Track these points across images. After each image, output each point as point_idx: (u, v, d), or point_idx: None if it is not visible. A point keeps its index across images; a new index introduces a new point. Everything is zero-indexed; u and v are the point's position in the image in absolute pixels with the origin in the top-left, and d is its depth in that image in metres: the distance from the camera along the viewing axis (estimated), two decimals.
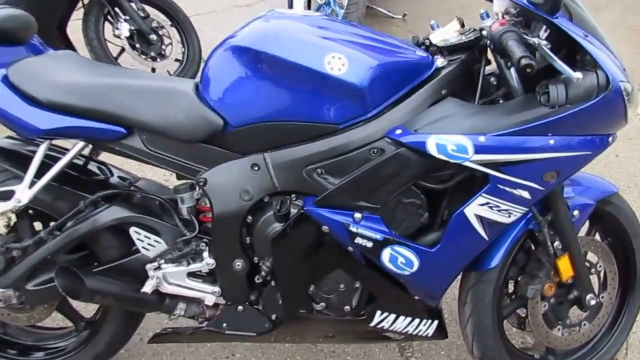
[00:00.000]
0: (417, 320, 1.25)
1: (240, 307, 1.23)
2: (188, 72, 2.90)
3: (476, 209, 1.12)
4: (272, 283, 1.20)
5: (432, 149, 1.06)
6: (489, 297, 1.27)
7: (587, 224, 1.36)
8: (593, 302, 1.35)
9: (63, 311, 1.40)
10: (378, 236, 1.13)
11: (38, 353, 1.40)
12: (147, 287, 1.20)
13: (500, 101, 1.16)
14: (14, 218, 1.17)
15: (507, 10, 1.15)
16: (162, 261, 1.19)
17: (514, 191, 1.11)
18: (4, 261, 1.21)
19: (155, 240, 1.20)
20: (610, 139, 1.15)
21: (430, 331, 1.27)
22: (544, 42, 1.04)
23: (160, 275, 1.20)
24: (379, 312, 1.23)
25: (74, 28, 2.72)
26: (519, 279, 1.32)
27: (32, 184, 1.13)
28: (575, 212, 1.27)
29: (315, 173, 1.11)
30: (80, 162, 1.28)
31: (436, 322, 1.27)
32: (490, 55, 1.16)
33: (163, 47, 2.83)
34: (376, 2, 3.93)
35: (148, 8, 2.79)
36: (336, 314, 1.24)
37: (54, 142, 1.19)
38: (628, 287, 1.47)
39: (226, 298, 1.24)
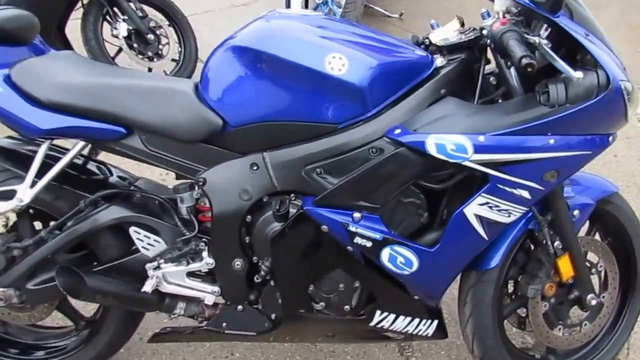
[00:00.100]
0: (417, 320, 1.25)
1: (239, 307, 1.23)
2: (184, 72, 2.90)
3: (476, 208, 1.12)
4: (272, 283, 1.21)
5: (431, 149, 1.06)
6: (489, 297, 1.27)
7: (587, 223, 1.35)
8: (594, 302, 1.34)
9: (63, 310, 1.41)
10: (377, 236, 1.12)
11: (39, 352, 1.41)
12: (147, 287, 1.21)
13: (500, 101, 1.16)
14: (12, 217, 1.18)
15: (508, 9, 1.14)
16: (162, 261, 1.20)
17: (514, 191, 1.11)
18: (4, 260, 1.21)
19: (155, 240, 1.20)
20: (610, 138, 1.14)
21: (430, 331, 1.27)
22: (545, 42, 1.03)
23: (160, 274, 1.21)
24: (378, 312, 1.23)
25: (71, 28, 2.73)
26: (519, 278, 1.31)
27: (34, 183, 1.14)
28: (576, 212, 1.26)
29: (315, 173, 1.11)
30: (80, 162, 1.28)
31: (436, 321, 1.27)
32: (490, 54, 1.16)
33: (160, 46, 2.84)
34: (373, 1, 3.94)
35: (147, 8, 2.80)
36: (336, 314, 1.24)
37: (54, 142, 1.20)
38: (629, 287, 1.46)
39: (225, 298, 1.24)
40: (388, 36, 1.19)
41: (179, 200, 1.20)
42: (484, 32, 1.12)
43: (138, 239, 1.20)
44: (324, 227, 1.13)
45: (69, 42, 2.70)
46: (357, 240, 1.13)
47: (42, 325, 1.45)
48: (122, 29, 2.70)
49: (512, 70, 1.12)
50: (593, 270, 1.38)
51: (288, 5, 3.20)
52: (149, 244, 1.21)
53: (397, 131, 1.08)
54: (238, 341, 1.47)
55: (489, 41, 1.11)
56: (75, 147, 1.19)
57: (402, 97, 1.11)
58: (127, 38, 2.73)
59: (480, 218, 1.13)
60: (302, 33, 1.11)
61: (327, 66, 1.06)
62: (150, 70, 2.80)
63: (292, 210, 1.14)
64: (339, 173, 1.11)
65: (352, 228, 1.12)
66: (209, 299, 1.23)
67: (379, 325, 1.25)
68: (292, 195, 1.15)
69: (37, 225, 1.29)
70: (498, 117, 1.08)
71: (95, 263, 1.26)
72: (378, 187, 1.11)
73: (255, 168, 1.14)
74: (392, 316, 1.24)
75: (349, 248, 1.14)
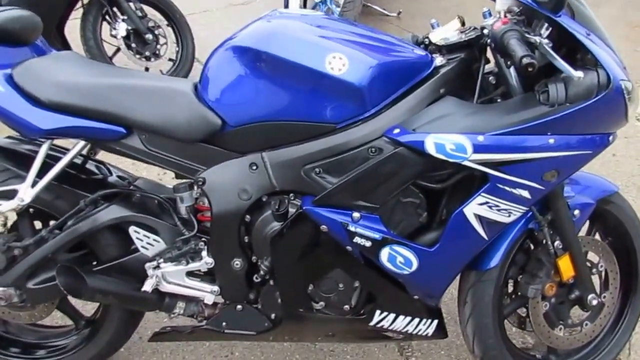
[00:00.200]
0: (416, 320, 1.25)
1: (239, 306, 1.24)
2: (181, 71, 2.91)
3: (475, 208, 1.11)
4: (271, 282, 1.21)
5: (430, 148, 1.06)
6: (489, 297, 1.26)
7: (587, 223, 1.35)
8: (595, 302, 1.34)
9: (63, 310, 1.42)
10: (377, 236, 1.12)
11: (39, 351, 1.41)
12: (147, 286, 1.21)
13: (499, 100, 1.16)
14: (10, 217, 1.18)
15: (510, 8, 1.14)
16: (161, 260, 1.20)
17: (514, 191, 1.11)
18: (5, 260, 1.22)
19: (155, 240, 1.21)
20: (610, 137, 1.14)
21: (430, 331, 1.27)
22: (546, 41, 1.03)
23: (160, 274, 1.21)
24: (378, 312, 1.23)
25: (69, 28, 2.74)
26: (519, 278, 1.31)
27: (34, 183, 1.14)
28: (576, 212, 1.26)
29: (314, 172, 1.11)
30: (79, 162, 1.29)
31: (436, 321, 1.27)
32: (489, 54, 1.15)
33: (158, 46, 2.85)
34: (372, 0, 3.95)
35: (146, 8, 2.80)
36: (335, 313, 1.24)
37: (54, 141, 1.20)
38: (630, 287, 1.46)
39: (225, 297, 1.24)
40: (387, 35, 1.19)
41: (179, 200, 1.20)
42: (485, 31, 1.12)
43: (137, 238, 1.21)
44: (323, 227, 1.12)
45: (68, 42, 2.71)
46: (357, 240, 1.13)
47: (42, 325, 1.46)
48: (121, 29, 2.70)
49: (512, 69, 1.12)
50: (594, 270, 1.38)
51: (286, 5, 3.20)
52: (148, 243, 1.21)
53: (396, 131, 1.08)
54: (237, 340, 1.47)
55: (489, 40, 1.11)
56: (75, 147, 1.19)
57: (401, 97, 1.11)
58: (126, 38, 2.74)
59: (479, 218, 1.12)
60: (303, 33, 1.11)
61: (327, 66, 1.06)
62: (147, 69, 2.80)
63: (292, 210, 1.14)
64: (338, 173, 1.11)
65: (352, 228, 1.12)
66: (209, 299, 1.24)
67: (379, 325, 1.25)
68: (291, 195, 1.15)
69: (37, 225, 1.29)
70: (497, 117, 1.08)
71: (94, 262, 1.26)
72: (377, 187, 1.11)
73: (254, 168, 1.14)
74: (392, 316, 1.24)
75: (348, 248, 1.14)
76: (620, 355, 1.49)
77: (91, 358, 1.38)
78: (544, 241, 1.24)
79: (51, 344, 1.42)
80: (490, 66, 1.18)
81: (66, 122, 1.13)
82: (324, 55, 1.06)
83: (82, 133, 1.15)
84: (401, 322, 1.25)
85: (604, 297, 1.40)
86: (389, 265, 1.15)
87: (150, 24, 2.80)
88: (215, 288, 1.22)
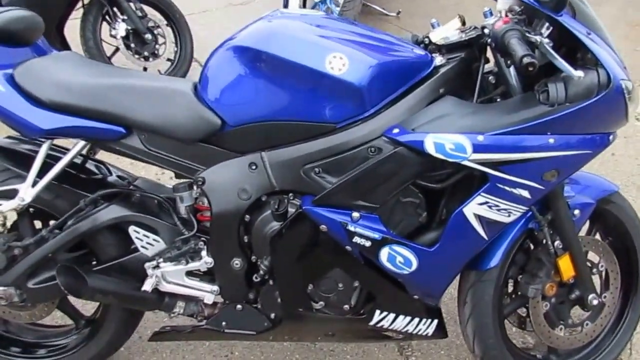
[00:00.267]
0: (416, 320, 1.25)
1: (238, 306, 1.24)
2: (179, 71, 2.91)
3: (475, 208, 1.11)
4: (271, 282, 1.21)
5: (430, 148, 1.06)
6: (489, 297, 1.26)
7: (587, 223, 1.34)
8: (595, 302, 1.33)
9: (63, 309, 1.42)
10: (376, 235, 1.12)
11: (40, 350, 1.41)
12: (147, 286, 1.21)
13: (498, 100, 1.15)
14: (9, 217, 1.18)
15: (511, 8, 1.14)
16: (161, 260, 1.20)
17: (514, 190, 1.11)
18: (5, 259, 1.22)
19: (154, 239, 1.21)
20: (611, 137, 1.13)
21: (430, 330, 1.27)
22: (546, 40, 1.03)
23: (159, 274, 1.21)
24: (378, 311, 1.23)
25: (68, 27, 2.74)
26: (519, 278, 1.31)
27: (35, 183, 1.14)
28: (576, 212, 1.26)
29: (313, 172, 1.11)
30: (79, 161, 1.29)
31: (436, 321, 1.27)
32: (489, 53, 1.15)
33: (157, 46, 2.85)
34: (371, 0, 3.93)
35: (146, 8, 2.80)
36: (335, 313, 1.24)
37: (54, 141, 1.20)
38: (631, 287, 1.46)
39: (225, 297, 1.24)
40: (387, 35, 1.18)
41: (178, 200, 1.20)
42: (486, 30, 1.11)
43: (137, 238, 1.21)
44: (323, 227, 1.12)
45: (67, 42, 2.71)
46: (356, 239, 1.13)
47: (42, 324, 1.46)
48: (121, 29, 2.71)
49: (512, 69, 1.12)
50: (594, 270, 1.37)
51: (286, 4, 3.20)
52: (148, 243, 1.21)
53: (396, 130, 1.08)
54: (237, 340, 1.47)
55: (489, 40, 1.10)
56: (75, 147, 1.19)
57: (400, 96, 1.11)
58: (125, 38, 2.74)
59: (479, 217, 1.12)
60: (303, 33, 1.11)
61: (327, 66, 1.06)
62: (145, 69, 2.80)
63: (291, 210, 1.14)
64: (337, 172, 1.11)
65: (351, 227, 1.12)
66: (208, 298, 1.24)
67: (379, 325, 1.25)
68: (290, 194, 1.15)
69: (37, 224, 1.30)
70: (497, 117, 1.08)
71: (94, 262, 1.27)
72: (377, 187, 1.11)
73: (253, 167, 1.14)
74: (392, 315, 1.24)
75: (348, 247, 1.14)
76: (621, 355, 1.49)
77: (91, 357, 1.38)
78: (544, 241, 1.24)
79: (51, 343, 1.43)
80: (490, 66, 1.17)
81: (66, 122, 1.14)
82: (324, 55, 1.06)
83: (82, 133, 1.16)
84: (401, 322, 1.25)
85: (605, 297, 1.39)
86: (388, 265, 1.15)
87: (150, 23, 2.80)
88: (215, 288, 1.22)
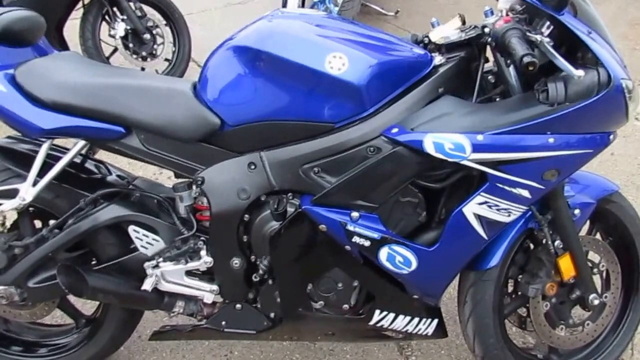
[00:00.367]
0: (416, 319, 1.25)
1: (238, 305, 1.24)
2: (176, 71, 2.91)
3: (475, 208, 1.11)
4: (270, 281, 1.21)
5: (429, 148, 1.06)
6: (489, 297, 1.26)
7: (587, 223, 1.34)
8: (596, 302, 1.33)
9: (64, 308, 1.42)
10: (375, 235, 1.12)
11: (41, 349, 1.42)
12: (146, 285, 1.21)
13: (498, 99, 1.15)
14: (8, 216, 1.19)
15: (512, 7, 1.13)
16: (160, 259, 1.20)
17: (514, 190, 1.10)
18: (6, 259, 1.23)
19: (154, 239, 1.21)
20: (611, 136, 1.13)
21: (430, 330, 1.27)
22: (547, 40, 1.02)
23: (159, 273, 1.21)
24: (377, 311, 1.23)
25: (66, 27, 2.74)
26: (519, 278, 1.31)
27: (35, 182, 1.15)
28: (576, 211, 1.25)
29: (312, 172, 1.11)
30: (78, 161, 1.29)
31: (436, 320, 1.26)
32: (488, 52, 1.15)
33: (155, 46, 2.85)
34: None
35: (145, 7, 2.80)
36: (335, 313, 1.24)
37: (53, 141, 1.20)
38: (632, 287, 1.45)
39: (224, 296, 1.24)
40: (387, 34, 1.18)
41: (178, 199, 1.20)
42: (486, 29, 1.11)
43: (137, 237, 1.21)
44: (322, 226, 1.12)
45: (66, 42, 2.71)
46: (355, 239, 1.12)
47: (43, 323, 1.46)
48: (120, 29, 2.71)
49: (512, 68, 1.11)
50: (595, 269, 1.37)
51: (284, 4, 3.20)
52: (147, 242, 1.21)
53: (395, 130, 1.08)
54: (237, 339, 1.47)
55: (489, 39, 1.10)
56: (75, 147, 1.20)
57: (400, 96, 1.10)
58: (123, 38, 2.74)
59: (479, 217, 1.12)
60: (304, 32, 1.11)
61: (327, 65, 1.06)
62: (143, 69, 2.81)
63: (290, 210, 1.14)
64: (336, 172, 1.11)
65: (350, 227, 1.12)
66: (208, 298, 1.24)
67: (379, 324, 1.25)
68: (289, 194, 1.15)
69: (36, 224, 1.30)
70: (497, 116, 1.08)
71: (94, 262, 1.27)
72: (376, 186, 1.11)
73: (252, 167, 1.14)
74: (392, 315, 1.23)
75: (347, 247, 1.14)
76: (623, 355, 1.49)
77: (91, 356, 1.39)
78: (544, 240, 1.23)
79: (52, 342, 1.43)
80: (490, 65, 1.17)
81: (67, 121, 1.14)
82: (324, 55, 1.06)
83: (82, 132, 1.16)
84: (401, 322, 1.24)
85: (606, 296, 1.39)
86: (388, 265, 1.15)
87: (149, 23, 2.80)
88: (215, 287, 1.22)
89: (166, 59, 2.92)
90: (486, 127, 1.06)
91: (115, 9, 2.71)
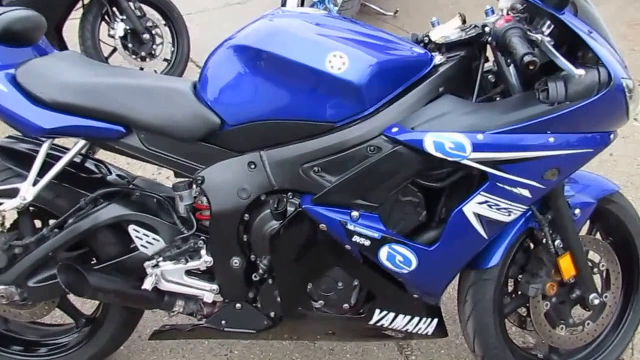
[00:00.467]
0: (416, 319, 1.25)
1: (238, 305, 1.24)
2: (175, 71, 2.91)
3: (475, 207, 1.11)
4: (270, 281, 1.21)
5: (429, 147, 1.06)
6: (489, 296, 1.26)
7: (587, 222, 1.34)
8: (596, 302, 1.33)
9: (64, 308, 1.42)
10: (376, 234, 1.12)
11: (41, 349, 1.42)
12: (146, 285, 1.21)
13: (498, 98, 1.15)
14: (8, 216, 1.19)
15: (513, 6, 1.13)
16: (160, 259, 1.20)
17: (514, 189, 1.10)
18: (6, 258, 1.23)
19: (154, 238, 1.21)
20: (611, 136, 1.13)
21: (430, 329, 1.27)
22: (547, 39, 1.02)
23: (159, 272, 1.21)
24: (377, 310, 1.23)
25: (66, 27, 2.74)
26: (519, 277, 1.31)
27: (36, 182, 1.15)
28: (577, 211, 1.25)
29: (312, 171, 1.11)
30: (78, 160, 1.29)
31: (436, 320, 1.26)
32: (489, 52, 1.15)
33: (154, 46, 2.85)
34: None
35: (145, 7, 2.81)
36: (335, 312, 1.24)
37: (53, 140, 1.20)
38: (632, 286, 1.45)
39: (224, 295, 1.24)
40: (387, 33, 1.18)
41: (178, 199, 1.20)
42: (486, 29, 1.11)
43: (137, 237, 1.21)
44: (322, 226, 1.12)
45: (65, 42, 2.72)
46: (355, 238, 1.12)
47: (43, 323, 1.47)
48: (119, 29, 2.72)
49: (512, 67, 1.11)
50: (595, 269, 1.37)
51: (284, 4, 3.20)
52: (147, 242, 1.21)
53: (395, 129, 1.08)
54: (237, 339, 1.47)
55: (490, 38, 1.10)
56: (76, 146, 1.20)
57: (400, 95, 1.10)
58: (123, 38, 2.74)
59: (479, 217, 1.12)
60: (304, 32, 1.11)
61: (327, 64, 1.06)
62: (141, 69, 2.81)
63: (290, 209, 1.14)
64: (336, 171, 1.10)
65: (350, 226, 1.12)
66: (208, 297, 1.24)
67: (379, 324, 1.24)
68: (289, 193, 1.15)
69: (36, 224, 1.30)
70: (497, 115, 1.08)
71: (94, 261, 1.27)
72: (376, 186, 1.11)
73: (252, 166, 1.14)
74: (392, 314, 1.23)
75: (347, 246, 1.14)
76: (623, 355, 1.48)
77: (91, 356, 1.39)
78: (545, 240, 1.23)
79: (52, 342, 1.43)
80: (490, 64, 1.17)
81: (67, 121, 1.14)
82: (324, 54, 1.06)
83: (83, 132, 1.16)
84: (401, 321, 1.24)
85: (606, 296, 1.39)
86: (388, 264, 1.15)
87: (148, 23, 2.80)
88: (215, 286, 1.23)
89: (165, 59, 2.92)
90: (486, 126, 1.06)
91: (114, 8, 2.71)
